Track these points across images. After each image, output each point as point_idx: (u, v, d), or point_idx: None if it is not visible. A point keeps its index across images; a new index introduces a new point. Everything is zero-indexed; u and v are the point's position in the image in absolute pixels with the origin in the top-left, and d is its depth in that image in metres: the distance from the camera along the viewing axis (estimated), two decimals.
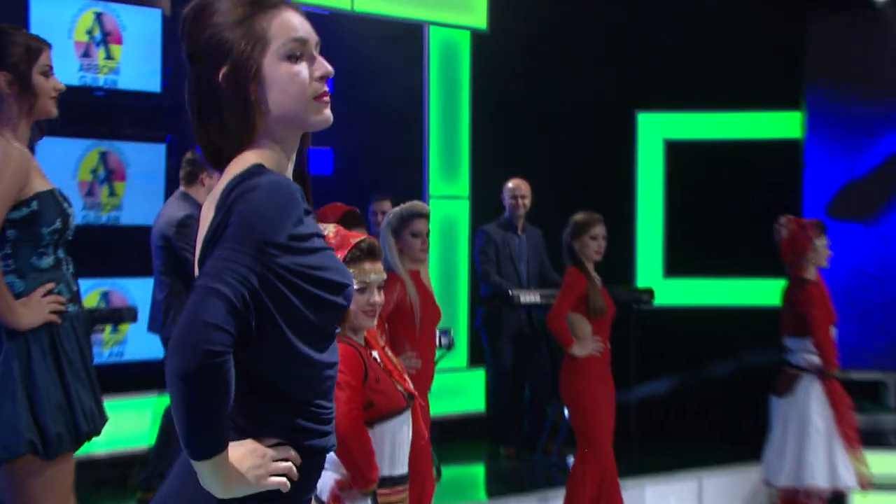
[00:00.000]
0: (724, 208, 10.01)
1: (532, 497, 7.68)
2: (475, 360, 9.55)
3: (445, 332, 7.57)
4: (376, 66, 9.55)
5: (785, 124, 10.07)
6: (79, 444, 3.75)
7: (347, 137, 9.56)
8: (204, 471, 2.19)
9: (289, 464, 2.25)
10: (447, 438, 9.05)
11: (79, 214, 8.02)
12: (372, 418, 3.82)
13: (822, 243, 7.26)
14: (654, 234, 10.44)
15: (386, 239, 5.89)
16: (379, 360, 4.00)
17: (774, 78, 9.97)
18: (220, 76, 2.23)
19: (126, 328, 8.20)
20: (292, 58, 2.25)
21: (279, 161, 2.31)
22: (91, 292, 8.08)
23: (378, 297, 3.92)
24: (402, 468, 4.00)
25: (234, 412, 2.24)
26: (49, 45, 3.91)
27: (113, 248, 7.64)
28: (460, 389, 9.41)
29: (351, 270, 3.62)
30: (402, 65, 9.69)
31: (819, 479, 7.09)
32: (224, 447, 2.19)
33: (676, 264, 10.33)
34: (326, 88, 2.28)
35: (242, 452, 2.22)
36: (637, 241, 10.38)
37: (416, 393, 4.09)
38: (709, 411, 9.69)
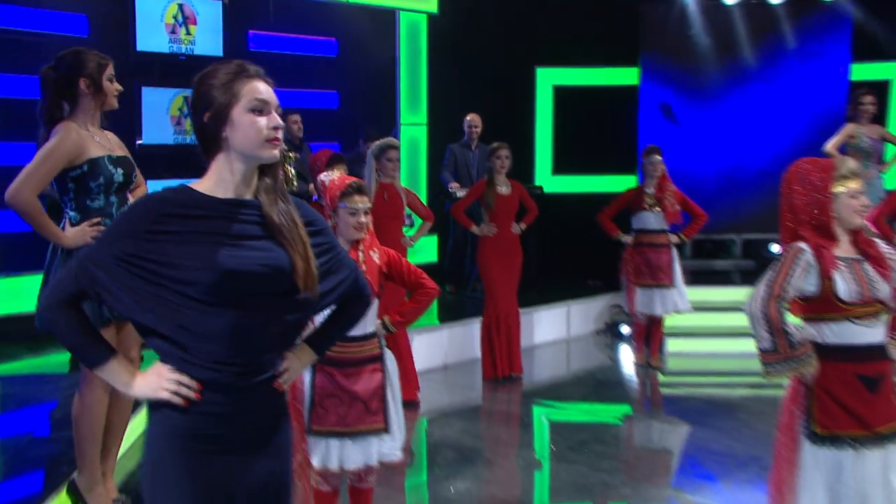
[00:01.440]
0: (591, 130, 9.97)
1: (466, 321, 7.66)
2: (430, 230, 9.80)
3: (408, 216, 7.75)
4: (365, 39, 9.64)
5: (628, 76, 10.06)
6: (104, 324, 3.61)
7: (348, 85, 9.73)
8: (102, 376, 2.22)
9: (177, 386, 2.10)
10: None
11: (171, 138, 8.39)
12: None
13: (648, 160, 7.12)
14: (546, 148, 10.44)
15: (370, 161, 6.03)
16: None
17: (622, 44, 9.91)
18: (206, 118, 2.17)
19: None
20: (255, 111, 2.16)
21: (222, 181, 2.19)
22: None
23: (364, 219, 3.64)
24: None
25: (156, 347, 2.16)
26: (112, 61, 3.81)
27: (197, 158, 7.84)
28: (420, 248, 9.22)
29: (345, 200, 3.61)
30: (382, 37, 9.71)
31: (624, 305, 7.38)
32: (101, 362, 2.17)
33: (560, 166, 10.38)
34: (278, 135, 2.19)
35: (151, 370, 2.15)
36: (535, 152, 10.39)
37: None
38: (578, 261, 9.63)
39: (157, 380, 2.12)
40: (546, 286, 9.06)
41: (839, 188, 3.14)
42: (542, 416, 6.48)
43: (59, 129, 3.62)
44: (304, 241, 2.20)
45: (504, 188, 6.87)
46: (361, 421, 3.63)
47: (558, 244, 9.76)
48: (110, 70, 3.77)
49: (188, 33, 8.47)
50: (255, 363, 2.16)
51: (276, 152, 2.19)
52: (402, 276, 3.79)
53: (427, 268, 9.42)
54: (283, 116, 7.93)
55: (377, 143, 6.12)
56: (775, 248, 9.65)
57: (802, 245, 3.15)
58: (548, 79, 10.49)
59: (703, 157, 9.79)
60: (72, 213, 3.73)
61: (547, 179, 10.28)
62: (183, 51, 8.41)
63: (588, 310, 8.83)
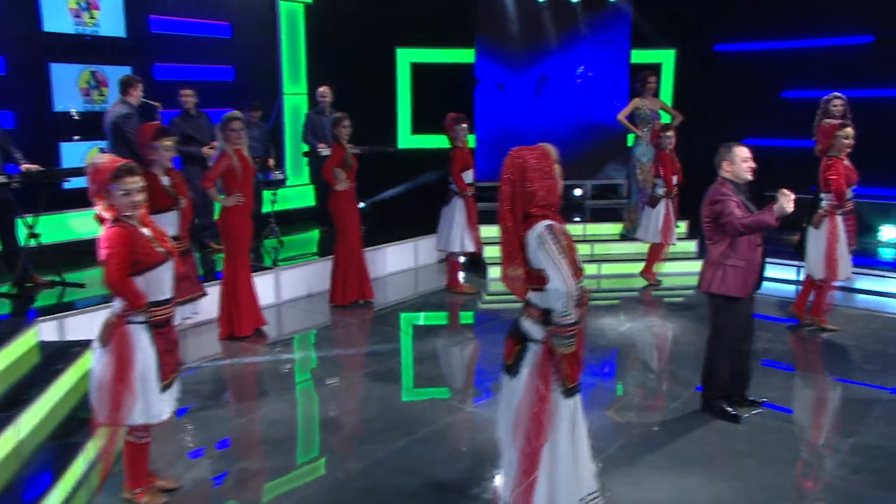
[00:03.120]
0: (438, 99, 9.23)
1: (329, 257, 6.87)
2: (311, 182, 9.27)
3: (282, 170, 7.24)
4: (254, 23, 9.00)
5: (466, 55, 9.62)
6: None
7: (241, 61, 9.06)
8: None
9: None
10: (293, 222, 8.85)
11: (83, 106, 7.60)
12: (140, 270, 3.10)
13: (459, 128, 6.50)
14: (406, 113, 10.03)
15: (218, 132, 5.44)
16: (148, 232, 3.19)
17: (462, 30, 9.51)
18: None
19: None
20: None
21: None
22: (92, 148, 7.66)
23: (137, 197, 3.10)
24: (164, 295, 3.20)
25: None
26: None
27: (102, 123, 7.12)
28: (301, 195, 9.19)
29: (116, 182, 3.05)
30: (266, 24, 9.13)
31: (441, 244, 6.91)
32: None
33: (417, 127, 10.01)
34: None
35: None
36: (398, 117, 9.96)
37: (174, 251, 3.27)
38: (430, 202, 9.39)
39: None
40: (401, 224, 8.66)
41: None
42: (383, 333, 6.16)
43: None
44: None
45: (351, 150, 6.44)
46: (179, 362, 3.45)
47: (414, 188, 9.58)
48: None
49: (92, 17, 7.62)
50: None
51: None
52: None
53: (307, 210, 9.26)
54: (177, 91, 6.89)
55: (223, 117, 5.44)
56: (578, 191, 9.52)
57: (554, 223, 2.62)
58: (406, 57, 10.04)
59: (523, 117, 9.47)
60: None
61: (407, 138, 9.90)
62: (88, 32, 7.57)
63: (431, 244, 8.32)
